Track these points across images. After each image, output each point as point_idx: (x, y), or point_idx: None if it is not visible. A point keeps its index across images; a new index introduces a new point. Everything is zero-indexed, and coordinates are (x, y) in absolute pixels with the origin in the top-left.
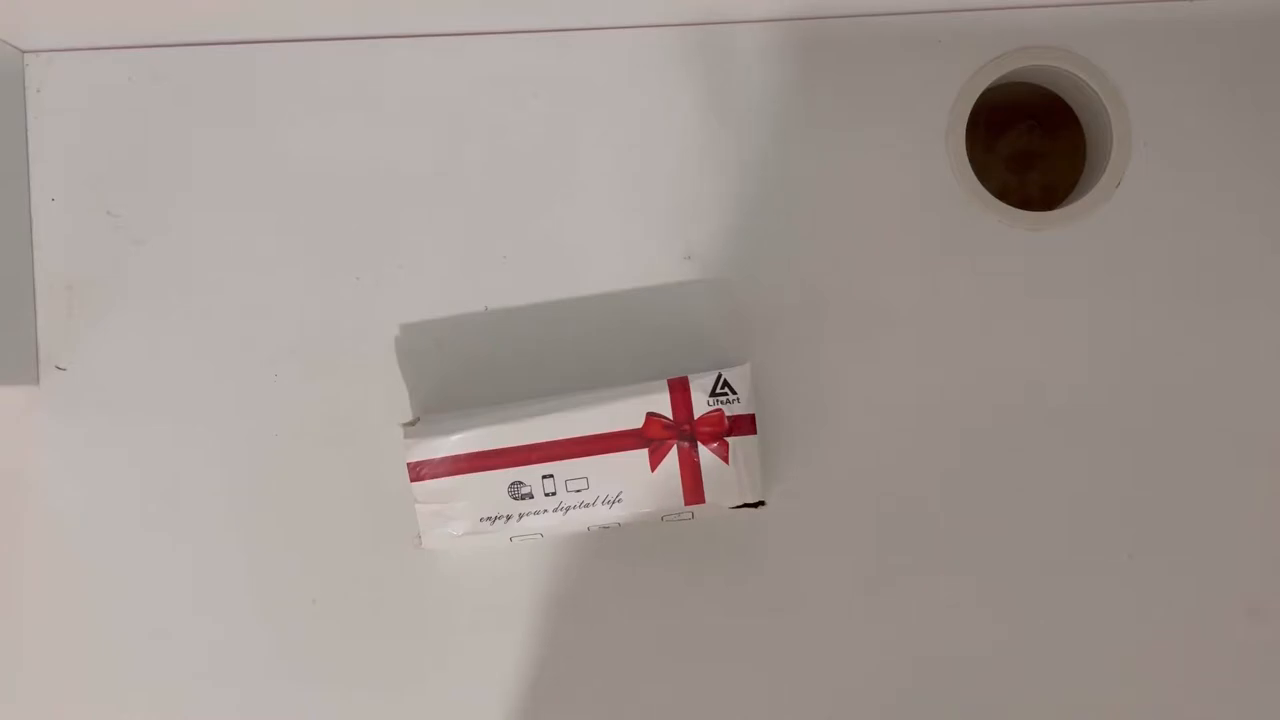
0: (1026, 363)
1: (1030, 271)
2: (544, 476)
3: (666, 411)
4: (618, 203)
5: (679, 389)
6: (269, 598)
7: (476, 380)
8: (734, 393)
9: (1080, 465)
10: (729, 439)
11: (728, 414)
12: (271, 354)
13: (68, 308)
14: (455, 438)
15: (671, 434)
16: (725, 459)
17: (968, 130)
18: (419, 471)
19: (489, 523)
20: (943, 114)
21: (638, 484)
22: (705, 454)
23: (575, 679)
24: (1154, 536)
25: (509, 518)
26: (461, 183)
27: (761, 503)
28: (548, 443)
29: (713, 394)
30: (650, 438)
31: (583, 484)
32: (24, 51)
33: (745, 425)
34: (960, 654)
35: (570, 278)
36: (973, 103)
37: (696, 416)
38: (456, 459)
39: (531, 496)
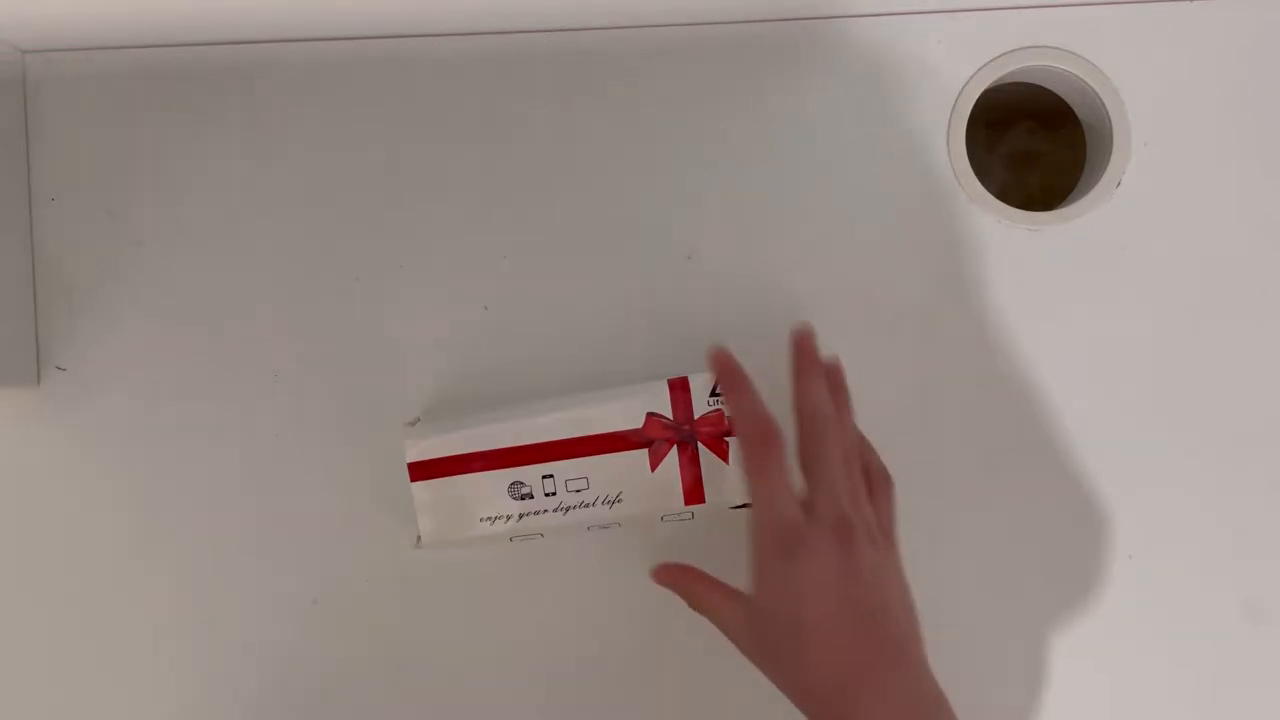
0: (1026, 363)
1: (1030, 271)
2: (544, 476)
3: (666, 411)
4: (618, 202)
5: (679, 389)
6: (269, 598)
7: (476, 380)
8: None
9: (1080, 465)
10: (729, 439)
11: (728, 414)
12: (271, 354)
13: (68, 308)
14: (455, 437)
15: (671, 434)
16: (725, 459)
17: (968, 130)
18: (419, 471)
19: (489, 523)
20: (943, 114)
21: (638, 484)
22: (705, 454)
23: (575, 679)
24: (1154, 536)
25: (509, 518)
26: (462, 182)
27: None
28: (548, 443)
29: (713, 394)
30: (650, 438)
31: (583, 484)
32: (24, 52)
33: None
34: (960, 653)
35: (570, 277)
36: (973, 103)
37: (696, 416)
38: (456, 459)
39: (531, 496)
